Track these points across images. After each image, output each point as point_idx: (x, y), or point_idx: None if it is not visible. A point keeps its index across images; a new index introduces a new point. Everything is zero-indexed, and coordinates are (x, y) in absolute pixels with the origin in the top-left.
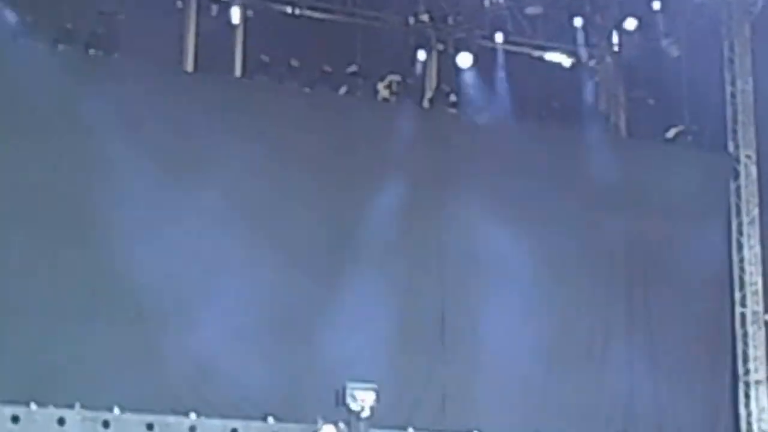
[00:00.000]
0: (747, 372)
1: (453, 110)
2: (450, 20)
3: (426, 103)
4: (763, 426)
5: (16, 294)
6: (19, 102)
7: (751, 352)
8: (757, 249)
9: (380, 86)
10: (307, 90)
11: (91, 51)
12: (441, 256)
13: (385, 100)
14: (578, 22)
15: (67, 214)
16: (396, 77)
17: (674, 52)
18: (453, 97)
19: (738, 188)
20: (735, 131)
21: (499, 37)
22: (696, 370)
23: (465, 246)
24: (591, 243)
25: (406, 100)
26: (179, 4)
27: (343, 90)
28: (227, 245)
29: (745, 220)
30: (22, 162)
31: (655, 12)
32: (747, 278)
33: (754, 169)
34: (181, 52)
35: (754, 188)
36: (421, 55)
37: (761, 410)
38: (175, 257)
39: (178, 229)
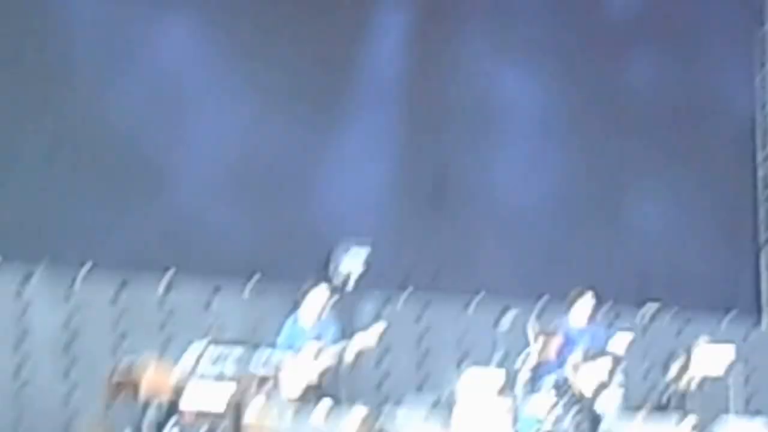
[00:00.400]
0: None
1: None
2: None
3: None
4: None
5: None
6: None
7: None
8: None
9: None
10: None
11: None
12: (444, 102)
13: None
14: None
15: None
16: None
17: None
18: None
19: (763, 36)
20: None
21: None
22: (716, 233)
23: (470, 91)
24: (608, 88)
25: None
26: None
27: None
28: (207, 89)
29: None
30: None
31: None
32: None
33: None
34: None
35: None
36: None
37: None
38: (149, 102)
39: (156, 71)
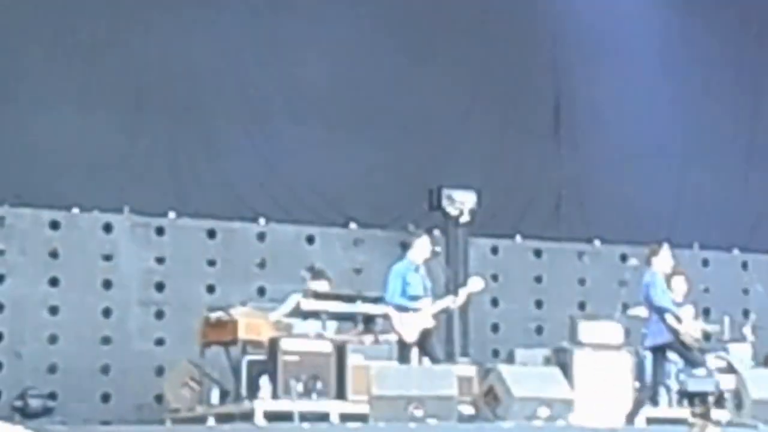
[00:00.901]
0: None
1: None
2: None
3: None
4: None
5: (47, 88)
6: None
7: None
8: None
9: None
10: None
11: None
12: (554, 30)
13: None
14: None
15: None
16: None
17: None
18: None
19: None
20: None
21: None
22: None
23: (582, 18)
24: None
25: None
26: None
27: None
28: (303, 27)
29: None
30: None
31: None
32: None
33: None
34: None
35: None
36: None
37: None
38: (232, 41)
39: (246, 13)
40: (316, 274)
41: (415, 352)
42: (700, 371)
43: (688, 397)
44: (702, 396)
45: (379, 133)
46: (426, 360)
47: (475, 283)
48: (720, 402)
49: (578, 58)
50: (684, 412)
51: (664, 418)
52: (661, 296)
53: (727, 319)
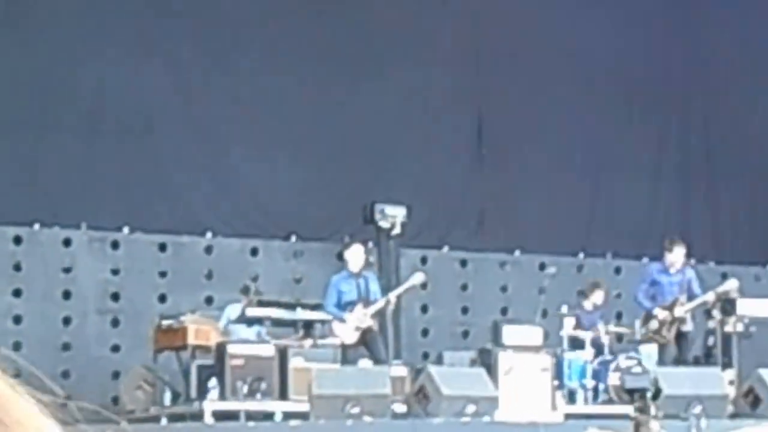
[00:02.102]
0: None
1: None
2: None
3: None
4: None
5: (11, 109)
6: None
7: None
8: None
9: None
10: None
11: None
12: (478, 52)
13: None
14: None
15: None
16: None
17: None
18: None
19: None
20: None
21: None
22: (755, 182)
23: (504, 43)
24: (644, 45)
25: None
26: None
27: None
28: (247, 49)
29: None
30: None
31: None
32: None
33: None
34: None
35: None
36: None
37: None
38: (185, 66)
39: (191, 37)
40: (252, 281)
41: (354, 353)
42: (636, 369)
43: (627, 393)
44: (640, 392)
45: (317, 152)
46: (365, 361)
47: (417, 277)
48: (657, 397)
49: (498, 81)
50: (602, 408)
51: (581, 413)
52: None
53: (637, 323)
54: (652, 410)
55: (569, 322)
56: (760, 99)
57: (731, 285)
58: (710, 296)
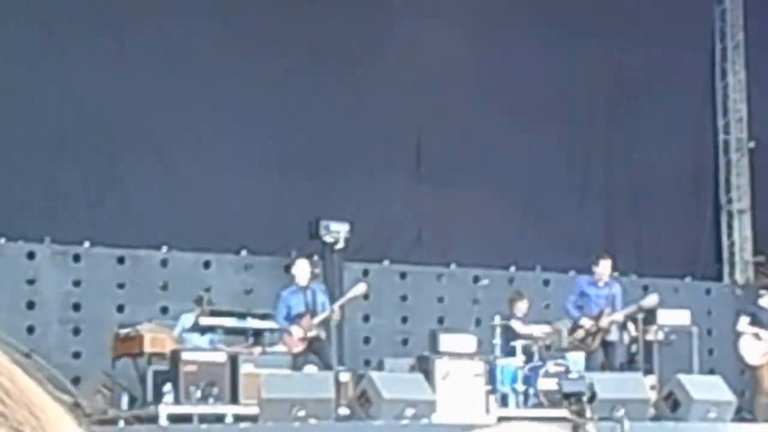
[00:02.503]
0: (729, 201)
1: None
2: None
3: None
4: (746, 256)
5: None
6: None
7: (734, 180)
8: (742, 75)
9: None
10: None
11: None
12: (415, 76)
13: None
14: None
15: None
16: None
17: None
18: None
19: (723, 12)
20: None
21: None
22: (677, 200)
23: (440, 71)
24: (571, 69)
25: None
26: None
27: None
28: (200, 72)
29: (730, 45)
30: None
31: None
32: (731, 105)
33: None
34: None
35: (740, 12)
36: None
37: (744, 239)
38: (145, 87)
39: (149, 62)
40: (204, 292)
41: (303, 360)
42: (573, 374)
43: (564, 396)
44: (576, 395)
45: (266, 171)
46: (311, 367)
47: (360, 288)
48: (592, 400)
49: (435, 106)
50: (532, 411)
51: (513, 416)
52: None
53: (564, 331)
54: (588, 413)
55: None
56: (677, 125)
57: (652, 301)
58: (633, 308)
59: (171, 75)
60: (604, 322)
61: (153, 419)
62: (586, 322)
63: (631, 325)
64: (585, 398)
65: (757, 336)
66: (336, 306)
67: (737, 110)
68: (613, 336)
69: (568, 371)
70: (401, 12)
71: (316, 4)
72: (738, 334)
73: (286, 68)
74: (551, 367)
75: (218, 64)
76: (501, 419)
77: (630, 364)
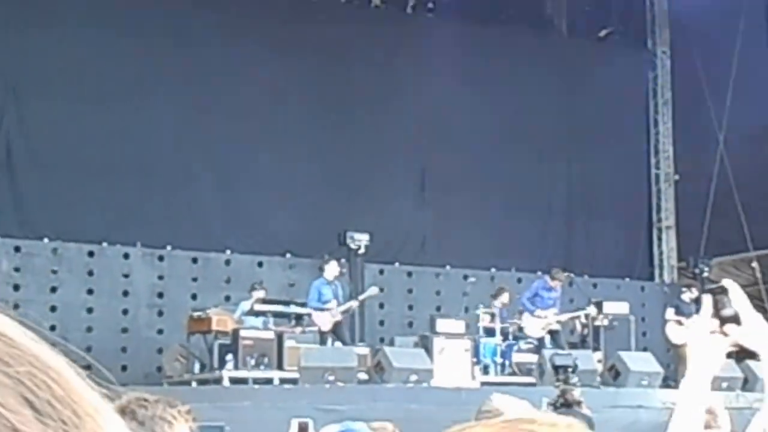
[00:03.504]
0: (659, 220)
1: (430, 15)
2: None
3: (409, 10)
4: (671, 262)
5: (98, 157)
6: None
7: (662, 204)
8: (669, 124)
9: None
10: None
11: None
12: (421, 119)
13: (377, 7)
14: None
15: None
16: None
17: None
18: (430, 5)
19: (655, 77)
20: (653, 31)
21: None
22: (620, 218)
23: (438, 118)
24: (542, 116)
25: (394, 8)
26: None
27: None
28: (256, 116)
29: (660, 101)
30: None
31: None
32: (661, 147)
33: (668, 62)
34: None
35: (668, 77)
36: None
37: (670, 249)
38: (214, 127)
39: (217, 109)
40: (258, 285)
41: (328, 337)
42: (562, 351)
43: (555, 368)
44: (564, 367)
45: (306, 193)
46: (338, 343)
47: (373, 290)
48: (575, 371)
49: (436, 142)
50: (507, 378)
51: (492, 382)
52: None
53: (526, 315)
54: (574, 380)
55: (486, 319)
56: (620, 161)
57: (591, 310)
58: (575, 315)
59: (234, 119)
60: (551, 317)
61: (218, 381)
62: (540, 314)
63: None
64: (570, 369)
65: (679, 322)
66: (357, 301)
67: (665, 151)
68: (556, 327)
69: (535, 348)
70: (409, 67)
71: (344, 64)
72: (665, 321)
73: (323, 113)
74: (522, 344)
75: (270, 110)
76: (483, 384)
77: (582, 344)
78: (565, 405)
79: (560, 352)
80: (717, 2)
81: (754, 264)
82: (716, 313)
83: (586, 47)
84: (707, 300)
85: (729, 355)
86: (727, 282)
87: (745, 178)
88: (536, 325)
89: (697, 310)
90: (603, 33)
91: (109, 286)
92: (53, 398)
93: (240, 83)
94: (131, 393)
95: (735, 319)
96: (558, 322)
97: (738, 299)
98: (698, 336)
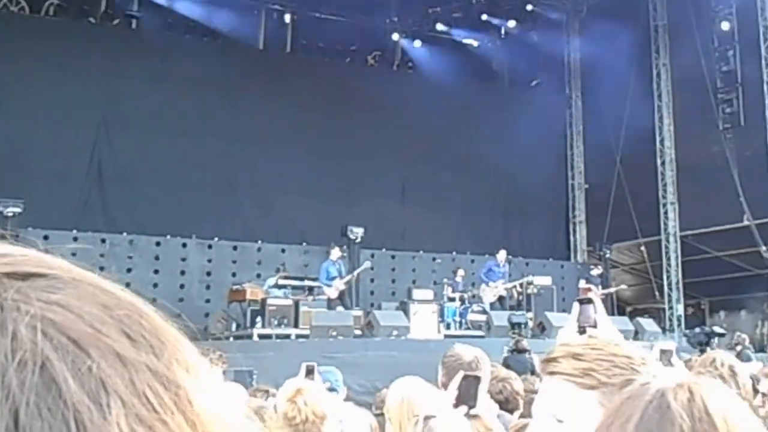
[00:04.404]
0: (574, 216)
1: (410, 71)
2: (408, 20)
3: (395, 67)
4: (583, 247)
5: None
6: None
7: (576, 205)
8: (581, 147)
9: (369, 58)
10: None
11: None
12: (401, 149)
13: (371, 65)
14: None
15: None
16: (378, 52)
17: (535, 37)
18: (410, 64)
19: (571, 113)
20: (569, 81)
21: (439, 26)
22: (546, 217)
23: (415, 145)
24: (484, 149)
25: (384, 66)
26: None
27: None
28: (285, 144)
29: (575, 131)
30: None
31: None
32: (575, 164)
33: (580, 103)
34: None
35: (580, 113)
36: (395, 36)
37: (582, 239)
38: (251, 152)
39: (260, 143)
40: (281, 266)
41: (335, 303)
42: (519, 311)
43: (511, 324)
44: (519, 324)
45: (317, 197)
46: (341, 308)
47: (366, 264)
48: (526, 326)
49: (413, 162)
50: (464, 332)
51: (453, 335)
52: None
53: (483, 285)
54: (526, 333)
55: (448, 289)
56: (547, 176)
57: (525, 281)
58: (516, 283)
59: (263, 146)
60: (500, 287)
61: (249, 337)
62: (492, 285)
63: (516, 288)
64: (523, 325)
65: (588, 289)
66: (354, 274)
67: (578, 167)
68: (503, 293)
69: (483, 310)
70: (394, 109)
71: (348, 106)
72: (578, 289)
73: (331, 141)
74: (475, 307)
75: (292, 138)
76: (446, 336)
77: (518, 306)
78: (518, 351)
79: (516, 312)
80: (614, 58)
81: (642, 248)
82: (583, 316)
83: (522, 93)
84: (576, 306)
85: (622, 313)
86: (592, 295)
87: (635, 186)
88: (490, 292)
89: (602, 282)
90: (534, 83)
91: (171, 268)
92: (143, 330)
93: (268, 120)
94: None
95: (594, 324)
96: (505, 290)
97: (598, 309)
98: (568, 332)
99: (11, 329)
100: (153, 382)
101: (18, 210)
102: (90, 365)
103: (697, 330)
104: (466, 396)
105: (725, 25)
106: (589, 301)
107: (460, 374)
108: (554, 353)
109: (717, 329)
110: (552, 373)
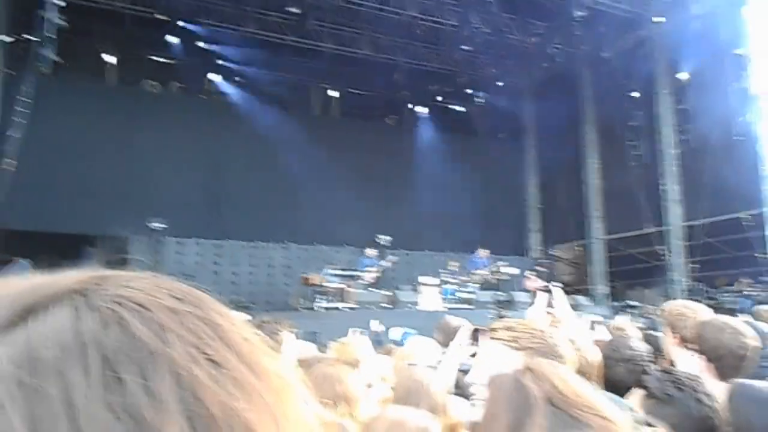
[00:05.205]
0: (530, 227)
1: (416, 128)
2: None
3: (405, 125)
4: (537, 247)
5: (263, 200)
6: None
7: (532, 218)
8: (536, 181)
9: (387, 119)
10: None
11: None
12: (414, 180)
13: (390, 124)
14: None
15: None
16: (396, 116)
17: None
18: (417, 124)
19: (529, 158)
20: (526, 132)
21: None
22: (511, 227)
23: (423, 179)
24: (465, 186)
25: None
26: None
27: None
28: (316, 169)
29: (531, 172)
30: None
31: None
32: (531, 194)
33: (533, 151)
34: None
35: (534, 158)
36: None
37: (537, 242)
38: (289, 172)
39: (296, 172)
40: (335, 262)
41: (372, 286)
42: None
43: (498, 302)
44: (503, 302)
45: (357, 217)
46: (374, 289)
47: (392, 258)
48: (510, 303)
49: (422, 191)
50: (458, 305)
51: (451, 307)
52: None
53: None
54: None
55: (447, 276)
56: (511, 192)
57: (505, 267)
58: (494, 267)
59: (326, 182)
60: (484, 275)
61: (313, 309)
62: (477, 272)
63: (491, 274)
64: (507, 301)
65: (528, 278)
66: (383, 265)
67: (534, 194)
68: (487, 278)
69: (470, 291)
70: (402, 157)
71: (369, 154)
72: (524, 276)
73: (364, 177)
74: (465, 289)
75: (344, 183)
76: (448, 309)
77: (495, 289)
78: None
79: (501, 293)
80: (562, 116)
81: (576, 248)
82: (546, 303)
83: (493, 143)
84: (540, 294)
85: (567, 293)
86: (552, 286)
87: (571, 205)
88: (475, 278)
89: (548, 272)
90: (501, 135)
91: (262, 264)
92: (186, 294)
93: (327, 167)
94: (263, 316)
95: (552, 306)
96: (485, 276)
97: (559, 298)
98: (535, 312)
99: (97, 304)
100: (196, 321)
101: (164, 226)
102: (151, 316)
103: (616, 303)
104: (474, 337)
105: (635, 94)
106: (550, 291)
107: (471, 328)
108: (495, 326)
109: (630, 302)
110: (493, 339)
